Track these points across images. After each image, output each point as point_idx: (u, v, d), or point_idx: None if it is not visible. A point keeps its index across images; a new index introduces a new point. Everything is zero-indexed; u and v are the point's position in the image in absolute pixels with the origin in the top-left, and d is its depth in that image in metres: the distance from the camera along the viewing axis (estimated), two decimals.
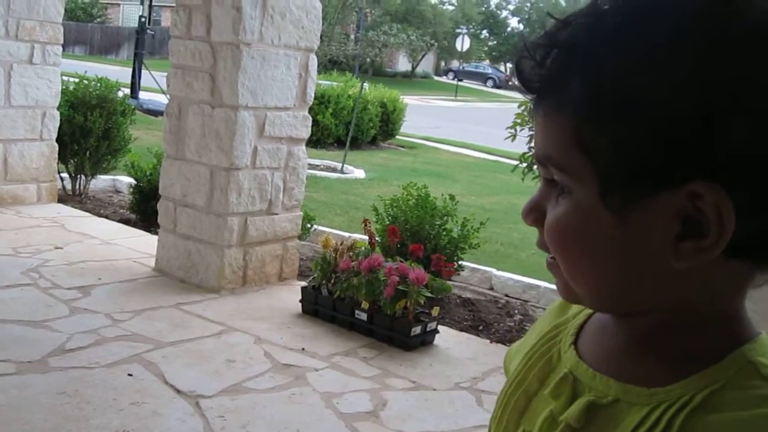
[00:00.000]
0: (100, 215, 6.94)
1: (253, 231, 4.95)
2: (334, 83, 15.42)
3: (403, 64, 46.34)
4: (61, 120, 7.04)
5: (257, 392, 3.57)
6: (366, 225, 4.84)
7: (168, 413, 3.28)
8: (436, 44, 45.24)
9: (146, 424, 3.18)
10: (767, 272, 0.67)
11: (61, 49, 6.93)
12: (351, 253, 4.59)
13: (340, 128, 14.17)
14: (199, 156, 4.91)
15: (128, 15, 44.96)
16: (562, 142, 0.66)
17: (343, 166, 11.42)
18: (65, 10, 7.11)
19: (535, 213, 0.71)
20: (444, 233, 5.35)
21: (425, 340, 4.34)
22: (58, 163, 7.15)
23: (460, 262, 5.42)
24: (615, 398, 0.70)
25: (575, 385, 0.74)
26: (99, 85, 7.76)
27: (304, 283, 4.86)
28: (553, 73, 0.66)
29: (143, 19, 17.21)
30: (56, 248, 5.52)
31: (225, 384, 3.61)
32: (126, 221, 6.81)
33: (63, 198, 7.28)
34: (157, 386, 3.52)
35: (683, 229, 0.63)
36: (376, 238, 4.92)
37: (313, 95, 5.19)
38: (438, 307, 4.47)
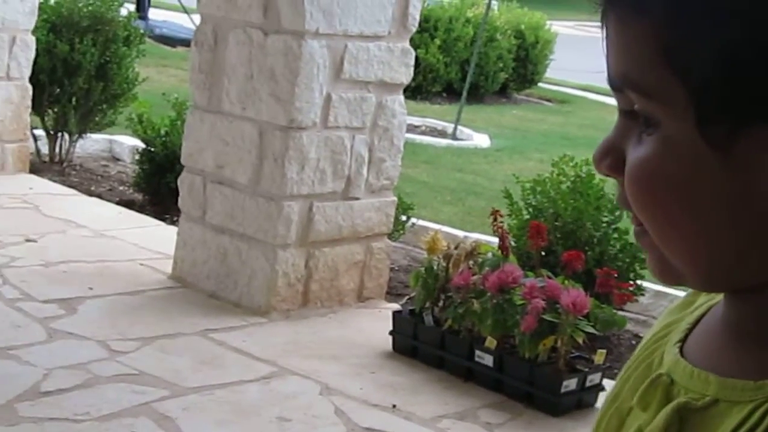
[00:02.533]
0: (90, 193, 7.15)
1: (321, 223, 5.02)
2: (445, 1, 15.44)
3: None
4: (37, 50, 7.27)
5: None
6: (495, 220, 4.84)
7: None
8: None
9: None
10: None
11: None
12: (471, 263, 4.60)
13: (452, 70, 14.20)
14: (243, 108, 5.01)
15: None
16: (644, 56, 0.72)
17: (456, 128, 11.43)
18: None
19: (610, 157, 0.77)
20: (615, 236, 5.31)
21: (583, 401, 4.32)
22: (31, 115, 7.38)
23: (639, 282, 5.37)
24: (713, 398, 0.77)
25: (670, 389, 0.81)
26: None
27: (397, 306, 4.90)
28: None
29: None
30: (27, 241, 5.73)
31: None
32: (129, 203, 7.00)
33: (37, 166, 7.53)
34: None
35: None
36: (511, 241, 4.91)
37: (418, 17, 5.22)
38: (605, 351, 4.44)
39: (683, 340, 0.85)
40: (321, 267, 5.10)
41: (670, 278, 0.79)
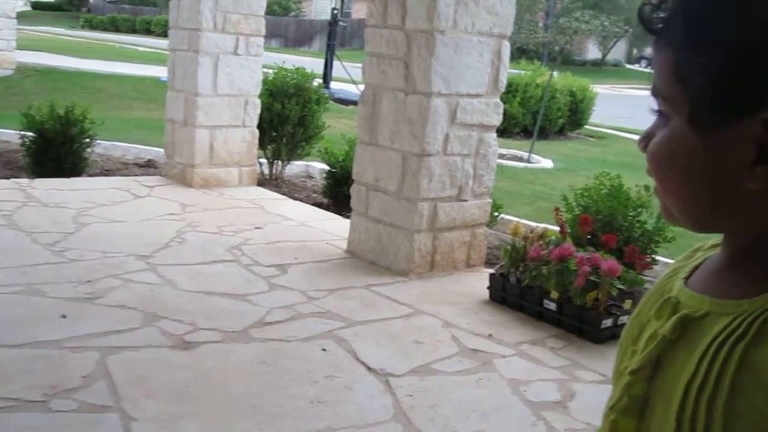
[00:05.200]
0: (294, 198, 7.28)
1: (442, 216, 5.02)
2: (522, 72, 15.26)
3: (592, 52, 44.95)
4: (261, 108, 7.43)
5: (445, 374, 3.63)
6: (557, 213, 4.77)
7: (359, 388, 3.41)
8: (630, 30, 43.56)
9: (339, 397, 3.32)
10: None
11: (262, 40, 7.31)
12: (541, 242, 4.55)
13: (527, 117, 14.03)
14: (391, 142, 5.04)
15: (321, 8, 46.61)
16: (666, 74, 0.76)
17: (529, 155, 11.30)
18: None
19: (646, 140, 0.81)
20: (637, 225, 5.19)
21: (616, 334, 4.22)
22: (258, 149, 7.56)
23: (653, 255, 5.23)
24: (706, 312, 0.79)
25: (676, 306, 0.83)
26: (296, 75, 8.13)
27: (491, 270, 4.87)
28: (666, 15, 0.77)
29: (335, 12, 17.79)
30: (256, 228, 5.87)
31: (414, 364, 3.70)
32: (318, 205, 7.11)
33: (260, 182, 7.70)
34: (349, 362, 3.67)
35: (759, 154, 0.71)
36: (567, 228, 4.84)
37: (505, 82, 5.17)
38: (630, 301, 4.34)
39: (687, 277, 0.86)
40: (442, 245, 5.10)
41: (670, 220, 0.82)
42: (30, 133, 7.34)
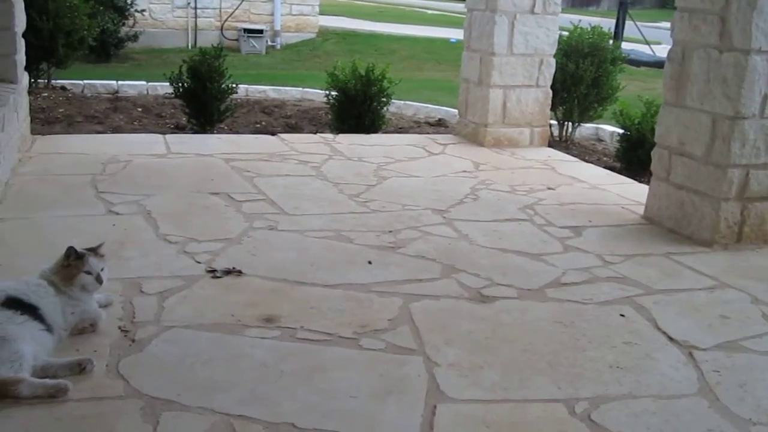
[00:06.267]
0: (585, 161, 7.14)
1: (754, 185, 4.65)
2: None
3: None
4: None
5: (755, 353, 3.39)
6: None
7: (660, 358, 3.29)
8: None
9: (639, 364, 3.22)
10: None
11: None
12: None
13: None
14: (701, 103, 4.74)
15: None
16: None
17: None
18: None
19: None
20: None
21: None
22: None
23: None
24: None
25: None
26: (592, 34, 7.92)
27: None
28: None
29: None
30: (548, 189, 5.84)
31: (719, 339, 3.49)
32: (610, 168, 6.92)
33: (550, 143, 7.63)
34: (649, 330, 3.54)
35: None
36: None
37: None
38: None
39: None
40: (752, 215, 4.73)
41: None
42: (334, 92, 7.85)
